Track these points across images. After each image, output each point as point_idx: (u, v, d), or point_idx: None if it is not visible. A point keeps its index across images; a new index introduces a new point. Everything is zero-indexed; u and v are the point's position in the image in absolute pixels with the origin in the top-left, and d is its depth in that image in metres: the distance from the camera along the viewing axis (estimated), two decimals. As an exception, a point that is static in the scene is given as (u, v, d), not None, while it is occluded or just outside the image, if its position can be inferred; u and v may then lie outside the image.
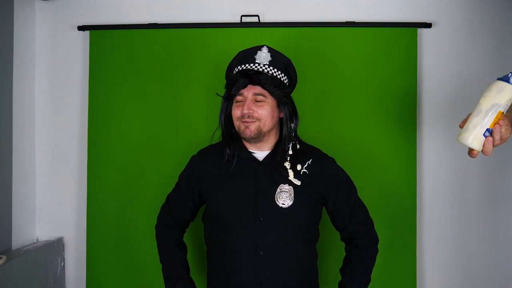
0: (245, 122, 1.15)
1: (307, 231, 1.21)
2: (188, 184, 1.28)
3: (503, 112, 0.90)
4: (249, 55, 1.19)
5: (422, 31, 1.66)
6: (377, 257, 1.28)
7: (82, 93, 1.73)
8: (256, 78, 1.14)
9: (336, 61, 1.64)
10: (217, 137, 1.27)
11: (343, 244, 1.31)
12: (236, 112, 1.17)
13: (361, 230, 1.25)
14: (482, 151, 0.91)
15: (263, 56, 1.18)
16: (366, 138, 1.63)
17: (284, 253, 1.16)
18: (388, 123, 1.63)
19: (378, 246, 1.29)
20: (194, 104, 1.64)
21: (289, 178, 1.18)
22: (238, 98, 1.17)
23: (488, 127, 0.89)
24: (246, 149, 1.22)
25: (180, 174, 1.32)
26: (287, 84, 1.21)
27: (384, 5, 1.68)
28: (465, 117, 0.96)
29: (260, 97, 1.15)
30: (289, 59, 1.23)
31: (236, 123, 1.18)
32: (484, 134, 0.89)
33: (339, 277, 1.28)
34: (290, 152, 1.20)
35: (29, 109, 1.72)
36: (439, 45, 1.67)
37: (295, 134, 1.25)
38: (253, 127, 1.15)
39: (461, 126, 0.94)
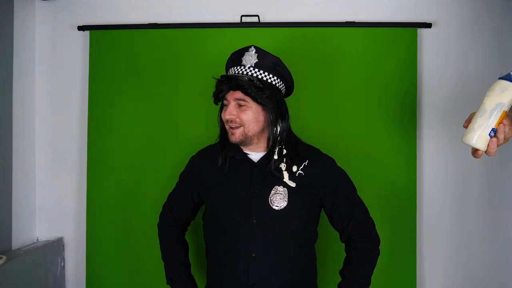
0: (231, 128, 1.15)
1: (303, 232, 1.20)
2: (188, 184, 1.29)
3: (506, 111, 0.89)
4: (238, 57, 1.18)
5: (422, 31, 1.66)
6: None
7: (82, 93, 1.73)
8: (235, 83, 1.11)
9: (336, 61, 1.64)
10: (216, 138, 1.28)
11: (342, 245, 1.30)
12: (222, 115, 1.18)
13: (361, 232, 1.23)
14: (486, 151, 0.90)
15: (248, 59, 1.15)
16: (366, 138, 1.63)
17: (278, 255, 1.15)
18: (388, 123, 1.63)
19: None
20: (194, 104, 1.64)
21: (284, 180, 1.17)
22: (225, 102, 1.17)
23: (493, 127, 0.89)
24: (241, 150, 1.21)
25: (180, 174, 1.33)
26: (276, 84, 1.17)
27: (384, 5, 1.68)
28: (465, 117, 0.95)
29: (242, 102, 1.13)
30: (278, 58, 1.17)
31: (226, 126, 1.19)
32: (489, 134, 0.89)
33: (339, 278, 1.27)
34: (276, 156, 1.17)
35: (29, 109, 1.72)
36: (439, 45, 1.67)
37: (291, 134, 1.22)
38: (237, 132, 1.15)
39: (466, 126, 0.93)
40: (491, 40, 1.66)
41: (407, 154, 1.63)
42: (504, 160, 1.65)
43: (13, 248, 1.60)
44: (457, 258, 1.68)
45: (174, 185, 1.35)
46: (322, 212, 1.28)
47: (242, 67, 1.15)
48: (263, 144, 1.20)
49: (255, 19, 1.67)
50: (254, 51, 1.16)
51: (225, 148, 1.22)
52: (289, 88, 1.25)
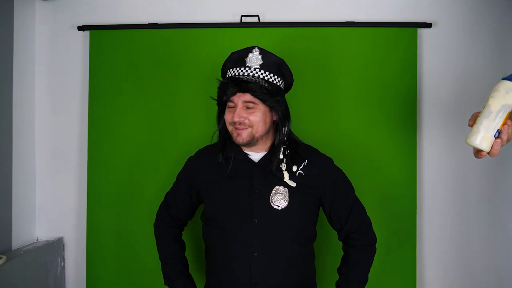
0: (237, 129, 1.14)
1: (303, 232, 1.21)
2: (186, 184, 1.29)
3: (510, 112, 0.89)
4: (240, 58, 1.17)
5: (422, 31, 1.66)
6: (377, 257, 1.28)
7: (82, 93, 1.73)
8: (245, 86, 1.11)
9: (336, 61, 1.64)
10: (216, 138, 1.28)
11: (340, 243, 1.31)
12: (228, 117, 1.16)
13: (359, 230, 1.25)
14: (489, 152, 0.90)
15: (253, 59, 1.15)
16: (366, 138, 1.63)
17: (279, 254, 1.16)
18: (388, 123, 1.63)
19: (378, 246, 1.29)
20: (194, 103, 1.64)
21: (284, 179, 1.17)
22: (230, 104, 1.16)
23: (498, 128, 0.89)
24: (241, 150, 1.21)
25: (178, 174, 1.33)
26: (280, 85, 1.18)
27: (384, 5, 1.68)
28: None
29: (250, 104, 1.13)
30: (281, 59, 1.19)
31: (229, 127, 1.17)
32: (494, 135, 0.89)
33: (337, 276, 1.28)
34: (282, 156, 1.18)
35: (29, 109, 1.72)
36: (439, 45, 1.67)
37: (291, 134, 1.24)
38: (245, 134, 1.14)
39: (471, 125, 0.92)
40: (491, 40, 1.66)
41: (407, 154, 1.63)
42: (504, 160, 1.65)
43: (13, 248, 1.60)
44: (457, 258, 1.68)
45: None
46: (321, 212, 1.28)
47: (247, 68, 1.14)
48: (266, 144, 1.21)
49: (255, 19, 1.67)
50: (258, 52, 1.16)
51: (225, 148, 1.22)
52: (288, 86, 1.26)
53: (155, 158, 1.65)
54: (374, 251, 1.28)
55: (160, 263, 1.32)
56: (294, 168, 1.19)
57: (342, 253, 1.30)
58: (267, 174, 1.18)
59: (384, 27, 1.63)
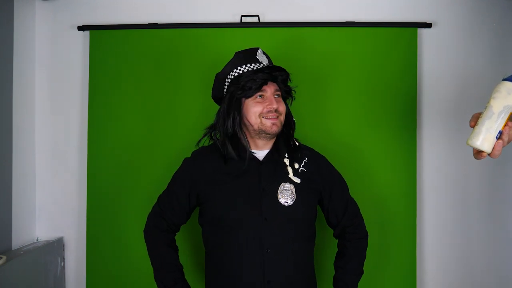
0: (272, 118, 1.16)
1: (308, 228, 1.23)
2: (184, 187, 1.25)
3: (511, 113, 0.89)
4: (251, 55, 1.20)
5: (422, 31, 1.66)
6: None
7: (82, 93, 1.73)
8: (275, 74, 1.17)
9: (336, 61, 1.64)
10: (204, 142, 1.26)
11: (335, 241, 1.34)
12: (257, 109, 1.16)
13: (354, 223, 1.29)
14: (490, 153, 0.90)
15: (263, 58, 1.21)
16: (366, 138, 1.63)
17: (289, 250, 1.17)
18: (388, 123, 1.63)
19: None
20: (194, 103, 1.64)
21: (289, 176, 1.20)
22: (258, 94, 1.17)
23: (500, 129, 0.88)
24: (246, 148, 1.21)
25: (173, 177, 1.29)
26: None
27: (384, 5, 1.68)
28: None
29: (278, 93, 1.19)
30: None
31: (257, 120, 1.16)
32: (496, 137, 0.88)
33: (332, 272, 1.30)
34: (293, 146, 1.23)
35: (29, 109, 1.72)
36: (439, 45, 1.67)
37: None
38: (278, 122, 1.18)
39: (472, 126, 0.91)
40: (491, 40, 1.66)
41: (407, 154, 1.63)
42: (504, 160, 1.64)
43: (13, 248, 1.60)
44: (457, 258, 1.68)
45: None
46: (318, 210, 1.31)
47: (262, 64, 1.19)
48: (270, 141, 1.23)
49: (255, 19, 1.67)
50: (262, 52, 1.23)
51: (232, 147, 1.20)
52: None
53: (155, 158, 1.65)
54: (366, 244, 1.32)
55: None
56: (296, 165, 1.22)
57: (336, 249, 1.32)
58: (273, 171, 1.20)
59: (384, 27, 1.63)
